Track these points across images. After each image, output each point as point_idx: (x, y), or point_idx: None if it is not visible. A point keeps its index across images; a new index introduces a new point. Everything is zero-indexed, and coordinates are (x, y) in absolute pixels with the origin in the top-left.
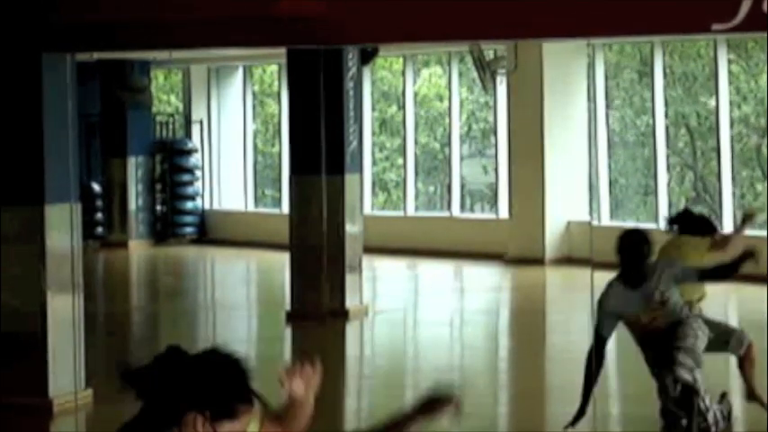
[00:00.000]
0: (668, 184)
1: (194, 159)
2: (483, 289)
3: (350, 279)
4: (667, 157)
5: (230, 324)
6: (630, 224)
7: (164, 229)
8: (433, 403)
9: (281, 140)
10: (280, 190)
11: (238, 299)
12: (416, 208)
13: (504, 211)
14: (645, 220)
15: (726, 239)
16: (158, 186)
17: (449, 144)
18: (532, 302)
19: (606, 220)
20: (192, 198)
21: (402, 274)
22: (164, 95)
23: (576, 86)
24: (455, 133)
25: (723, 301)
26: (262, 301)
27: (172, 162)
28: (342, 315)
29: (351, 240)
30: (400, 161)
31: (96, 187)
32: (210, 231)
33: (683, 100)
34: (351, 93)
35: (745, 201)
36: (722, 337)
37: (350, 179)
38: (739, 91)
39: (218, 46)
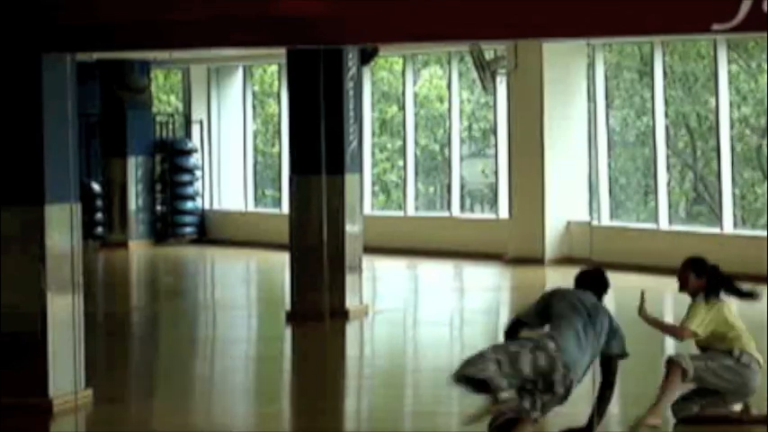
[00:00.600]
0: (668, 184)
1: (194, 159)
2: (483, 289)
3: (350, 279)
4: (667, 157)
5: (230, 324)
6: (630, 224)
7: (164, 229)
8: None
9: (281, 140)
10: (280, 190)
11: (238, 299)
12: (416, 208)
13: (504, 212)
14: (645, 220)
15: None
16: (158, 186)
17: (449, 144)
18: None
19: (606, 220)
20: (192, 198)
21: (402, 274)
22: (164, 95)
23: (576, 86)
24: (455, 133)
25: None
26: (262, 300)
27: (172, 162)
28: (342, 315)
29: (351, 240)
30: (400, 162)
31: (96, 187)
32: (210, 231)
33: (683, 100)
34: (351, 93)
35: (746, 201)
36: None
37: (350, 179)
38: (739, 91)
39: (218, 46)
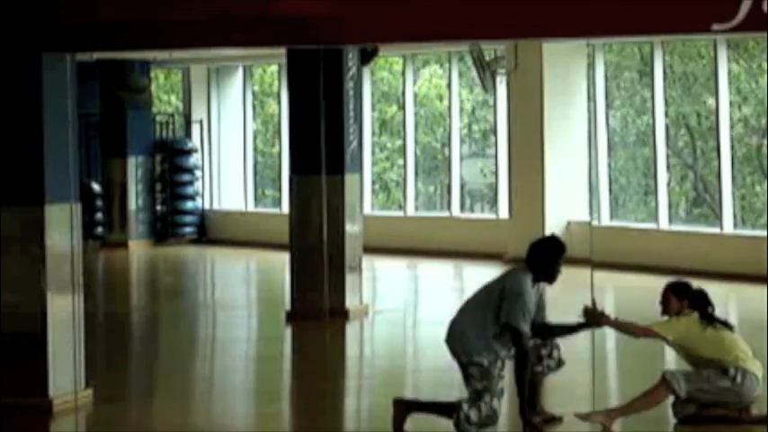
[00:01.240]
0: (668, 184)
1: (194, 159)
2: None
3: (350, 279)
4: (667, 157)
5: (230, 324)
6: (630, 224)
7: (164, 228)
8: None
9: (281, 140)
10: (280, 190)
11: (238, 299)
12: (416, 208)
13: (504, 211)
14: (645, 220)
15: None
16: (158, 186)
17: (449, 144)
18: None
19: (606, 220)
20: (192, 198)
21: (402, 274)
22: (164, 95)
23: (576, 86)
24: (455, 133)
25: (723, 301)
26: (262, 300)
27: (172, 162)
28: (342, 315)
29: (351, 240)
30: (400, 161)
31: (96, 187)
32: (210, 231)
33: (684, 100)
34: (351, 93)
35: (746, 201)
36: None
37: (350, 179)
38: (740, 91)
39: (218, 46)
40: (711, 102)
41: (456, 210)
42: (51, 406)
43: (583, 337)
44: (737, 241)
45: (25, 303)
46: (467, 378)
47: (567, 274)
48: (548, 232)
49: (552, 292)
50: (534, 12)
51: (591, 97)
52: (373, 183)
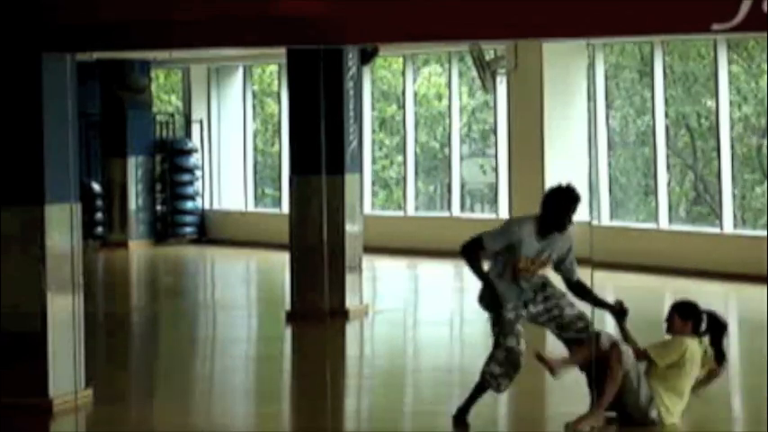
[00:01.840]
0: (668, 184)
1: (194, 159)
2: None
3: (350, 279)
4: (667, 157)
5: (230, 324)
6: (630, 224)
7: (164, 228)
8: None
9: (281, 140)
10: (280, 190)
11: (238, 299)
12: (416, 208)
13: (504, 211)
14: (645, 220)
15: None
16: (158, 186)
17: (449, 144)
18: None
19: (606, 220)
20: (192, 198)
21: (402, 274)
22: (164, 95)
23: (576, 86)
24: (455, 133)
25: (723, 301)
26: (262, 300)
27: (172, 162)
28: (342, 315)
29: (351, 240)
30: (400, 159)
31: (96, 187)
32: (210, 231)
33: (684, 100)
34: (351, 93)
35: (746, 201)
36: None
37: (350, 179)
38: (740, 91)
39: (218, 46)
40: (711, 102)
41: (456, 210)
42: (51, 406)
43: None
44: (737, 241)
45: (25, 303)
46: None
47: None
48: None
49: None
50: (534, 12)
51: (591, 97)
52: (373, 183)
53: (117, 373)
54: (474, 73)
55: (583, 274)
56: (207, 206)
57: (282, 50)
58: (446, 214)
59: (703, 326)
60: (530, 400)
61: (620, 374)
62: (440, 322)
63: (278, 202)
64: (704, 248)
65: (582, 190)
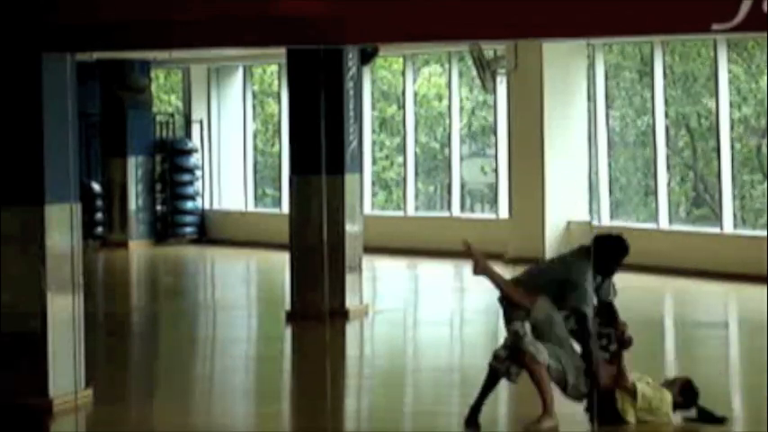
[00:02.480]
0: (668, 184)
1: (194, 159)
2: (483, 289)
3: (350, 279)
4: (667, 157)
5: (230, 324)
6: (630, 224)
7: (164, 229)
8: None
9: (281, 140)
10: (280, 190)
11: (238, 299)
12: (416, 208)
13: (504, 211)
14: (645, 220)
15: None
16: (158, 186)
17: (449, 144)
18: None
19: (606, 220)
20: (192, 198)
21: (402, 274)
22: (164, 95)
23: (576, 86)
24: (455, 133)
25: (723, 301)
26: (262, 300)
27: (172, 162)
28: (342, 315)
29: (351, 240)
30: (400, 159)
31: (96, 187)
32: (210, 231)
33: (684, 100)
34: (351, 93)
35: (746, 201)
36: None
37: (350, 179)
38: (740, 91)
39: (218, 46)
40: (711, 102)
41: (456, 210)
42: (51, 406)
43: None
44: (737, 241)
45: (25, 303)
46: None
47: None
48: (548, 232)
49: None
50: (534, 12)
51: (591, 97)
52: (373, 183)
53: (117, 373)
54: (474, 73)
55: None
56: (207, 206)
57: (282, 50)
58: (446, 214)
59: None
60: (530, 400)
61: (542, 371)
62: (440, 322)
63: (278, 202)
64: (704, 248)
65: (582, 190)
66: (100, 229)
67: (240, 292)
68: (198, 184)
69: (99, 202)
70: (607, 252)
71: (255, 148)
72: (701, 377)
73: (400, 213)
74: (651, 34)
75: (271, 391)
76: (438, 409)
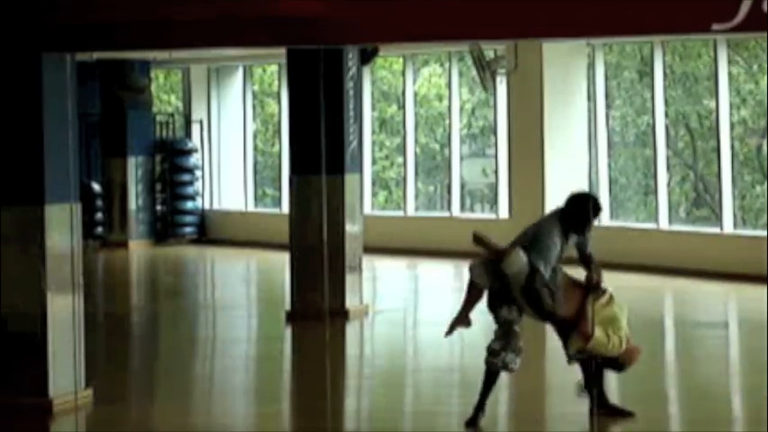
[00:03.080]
0: (668, 184)
1: (194, 159)
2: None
3: (350, 279)
4: (667, 157)
5: (230, 324)
6: (630, 224)
7: (164, 229)
8: None
9: (281, 140)
10: (280, 190)
11: (238, 299)
12: (416, 208)
13: (504, 211)
14: (645, 220)
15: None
16: (158, 186)
17: (449, 144)
18: None
19: (606, 220)
20: (192, 198)
21: (402, 274)
22: (164, 95)
23: (576, 86)
24: (455, 133)
25: (723, 301)
26: (262, 300)
27: (172, 162)
28: (342, 315)
29: (351, 240)
30: (400, 160)
31: (96, 187)
32: (210, 231)
33: (684, 100)
34: (351, 93)
35: (746, 201)
36: None
37: (350, 179)
38: (739, 92)
39: (218, 46)
40: (711, 102)
41: (456, 210)
42: (51, 406)
43: None
44: (737, 241)
45: (25, 303)
46: None
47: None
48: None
49: None
50: (534, 12)
51: (591, 97)
52: (373, 183)
53: (117, 373)
54: (474, 73)
55: (582, 274)
56: (207, 206)
57: (282, 50)
58: (446, 214)
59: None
60: (530, 400)
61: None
62: (440, 322)
63: (278, 202)
64: (704, 248)
65: (582, 190)
66: (100, 229)
67: (240, 292)
68: (198, 184)
69: (99, 202)
70: (580, 210)
71: (255, 148)
72: (701, 377)
73: (400, 213)
74: (651, 34)
75: (271, 391)
76: (438, 409)
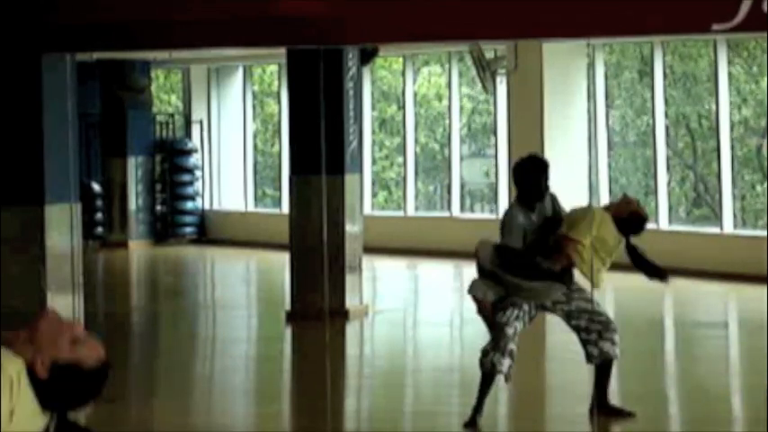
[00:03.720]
0: (668, 184)
1: (194, 159)
2: None
3: (350, 279)
4: (667, 157)
5: (230, 324)
6: None
7: (164, 229)
8: None
9: (281, 140)
10: (280, 190)
11: (238, 299)
12: (416, 208)
13: (503, 212)
14: None
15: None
16: (158, 186)
17: (448, 144)
18: None
19: None
20: (192, 198)
21: (402, 274)
22: (164, 95)
23: (576, 86)
24: (455, 133)
25: (723, 301)
26: (262, 300)
27: (172, 162)
28: (342, 315)
29: (351, 240)
30: (400, 160)
31: (96, 187)
32: (210, 231)
33: (684, 100)
34: (351, 93)
35: (746, 201)
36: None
37: (350, 179)
38: (740, 92)
39: (218, 46)
40: (711, 102)
41: (456, 210)
42: None
43: None
44: (737, 241)
45: (25, 303)
46: None
47: None
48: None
49: None
50: (534, 12)
51: (591, 97)
52: (373, 183)
53: (117, 372)
54: (474, 73)
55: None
56: (207, 206)
57: (282, 50)
58: (446, 214)
59: None
60: (530, 400)
61: None
62: (440, 322)
63: (278, 203)
64: (704, 248)
65: (582, 190)
66: (100, 229)
67: (240, 292)
68: (198, 185)
69: (99, 202)
70: (525, 175)
71: (255, 148)
72: (701, 377)
73: (400, 213)
74: (651, 34)
75: (271, 391)
76: (438, 409)
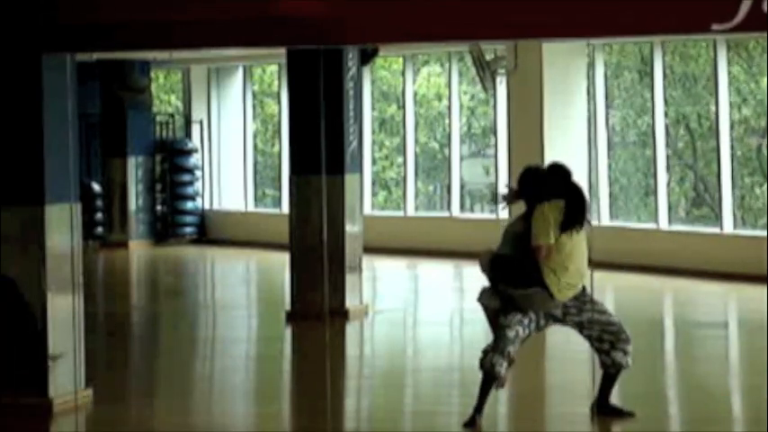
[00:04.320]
0: (668, 184)
1: (194, 159)
2: None
3: (350, 279)
4: (667, 157)
5: (230, 324)
6: (630, 224)
7: (164, 229)
8: None
9: (281, 140)
10: (280, 190)
11: (238, 299)
12: (416, 208)
13: (504, 212)
14: (645, 220)
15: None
16: (158, 186)
17: (448, 144)
18: None
19: (606, 220)
20: (192, 198)
21: (402, 274)
22: (164, 95)
23: (576, 86)
24: (455, 133)
25: (723, 301)
26: (262, 300)
27: (172, 162)
28: (342, 315)
29: (351, 240)
30: (399, 160)
31: (96, 187)
32: (210, 231)
33: (684, 100)
34: (351, 93)
35: (746, 201)
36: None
37: (350, 179)
38: (740, 92)
39: (218, 46)
40: (711, 102)
41: (456, 210)
42: (51, 406)
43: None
44: (737, 241)
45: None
46: None
47: None
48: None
49: None
50: (534, 12)
51: (591, 97)
52: (373, 183)
53: (117, 373)
54: (474, 73)
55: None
56: (207, 206)
57: (282, 50)
58: (446, 214)
59: None
60: (530, 400)
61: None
62: (440, 322)
63: (278, 203)
64: (704, 248)
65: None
66: (100, 229)
67: (240, 292)
68: (198, 185)
69: (99, 202)
70: (532, 185)
71: (255, 148)
72: (701, 377)
73: (400, 213)
74: (651, 34)
75: (271, 391)
76: (438, 409)
